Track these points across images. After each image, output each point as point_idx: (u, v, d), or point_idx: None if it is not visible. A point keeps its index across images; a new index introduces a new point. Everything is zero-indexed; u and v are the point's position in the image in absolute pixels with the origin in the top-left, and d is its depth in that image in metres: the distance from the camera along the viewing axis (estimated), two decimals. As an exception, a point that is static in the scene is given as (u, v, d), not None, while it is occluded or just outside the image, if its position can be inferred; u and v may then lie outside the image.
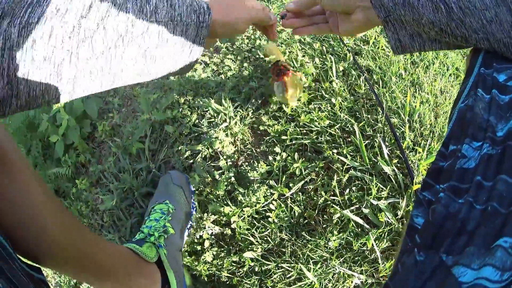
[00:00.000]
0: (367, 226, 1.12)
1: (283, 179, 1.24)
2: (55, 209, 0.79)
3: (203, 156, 1.36)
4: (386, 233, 1.10)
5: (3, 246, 0.60)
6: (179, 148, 1.42)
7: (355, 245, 1.11)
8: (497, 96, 0.53)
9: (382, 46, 1.58)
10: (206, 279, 1.20)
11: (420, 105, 1.31)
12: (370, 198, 1.14)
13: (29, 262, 0.69)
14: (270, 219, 1.19)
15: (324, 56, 1.54)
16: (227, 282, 1.19)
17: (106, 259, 0.93)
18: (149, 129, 1.52)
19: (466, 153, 0.50)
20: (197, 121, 1.45)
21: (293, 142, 1.31)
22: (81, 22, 0.56)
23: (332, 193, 1.20)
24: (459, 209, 0.46)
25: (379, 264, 1.08)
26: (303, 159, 1.26)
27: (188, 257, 1.23)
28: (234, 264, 1.19)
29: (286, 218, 1.19)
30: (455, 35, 0.59)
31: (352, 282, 1.09)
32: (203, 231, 1.23)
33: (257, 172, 1.26)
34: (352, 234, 1.13)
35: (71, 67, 0.57)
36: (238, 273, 1.17)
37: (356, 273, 1.09)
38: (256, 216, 1.22)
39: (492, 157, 0.48)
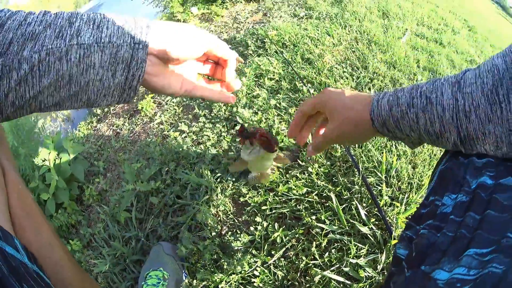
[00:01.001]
0: (349, 282, 1.18)
1: (265, 247, 1.32)
2: (73, 264, 0.81)
3: (187, 227, 1.45)
4: (368, 285, 1.16)
5: (41, 277, 0.64)
6: (165, 218, 1.50)
7: (338, 300, 1.17)
8: (475, 160, 0.62)
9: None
10: None
11: (397, 160, 1.38)
12: (350, 257, 1.20)
13: None
14: (255, 284, 1.26)
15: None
16: None
17: None
18: (134, 199, 1.60)
19: (446, 203, 0.60)
20: (180, 192, 1.54)
21: (273, 211, 1.39)
22: None
23: (312, 257, 1.26)
24: (437, 239, 0.56)
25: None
26: (284, 226, 1.34)
27: (178, 323, 1.31)
28: (222, 328, 1.27)
29: (271, 281, 1.26)
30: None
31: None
32: (193, 298, 1.32)
33: (240, 241, 1.35)
34: (334, 290, 1.19)
35: None
36: (227, 337, 1.26)
37: (339, 328, 1.15)
38: (242, 281, 1.29)
39: (464, 202, 0.58)
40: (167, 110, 1.92)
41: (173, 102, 1.94)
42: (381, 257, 1.17)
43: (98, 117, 2.25)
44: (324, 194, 1.37)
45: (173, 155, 1.66)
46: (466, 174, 0.61)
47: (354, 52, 2.11)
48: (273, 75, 1.83)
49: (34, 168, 1.98)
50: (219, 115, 1.77)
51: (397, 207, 1.27)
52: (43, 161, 1.94)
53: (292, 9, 3.20)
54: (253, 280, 1.28)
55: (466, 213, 0.56)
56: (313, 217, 1.32)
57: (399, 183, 1.35)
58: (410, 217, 0.69)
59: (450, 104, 0.58)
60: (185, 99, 1.93)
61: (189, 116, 1.82)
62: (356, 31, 2.38)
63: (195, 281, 1.33)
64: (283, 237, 1.32)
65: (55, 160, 1.91)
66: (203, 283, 1.31)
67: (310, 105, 0.84)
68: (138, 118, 1.99)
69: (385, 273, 1.17)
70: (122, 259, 1.51)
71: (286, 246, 1.31)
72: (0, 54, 0.58)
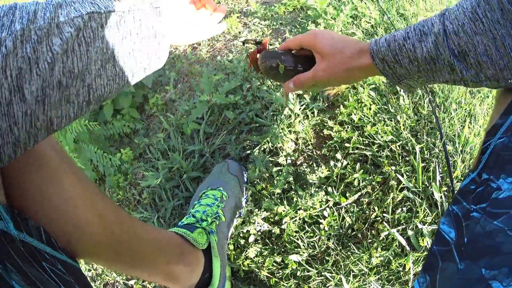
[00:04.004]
0: (408, 248, 1.11)
1: (341, 187, 1.20)
2: (92, 200, 0.74)
3: (262, 149, 1.33)
4: (423, 257, 1.09)
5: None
6: (238, 136, 1.38)
7: (393, 264, 1.09)
8: None
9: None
10: (243, 274, 1.17)
11: (473, 138, 1.28)
12: (417, 221, 1.12)
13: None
14: (321, 226, 1.16)
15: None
16: (264, 282, 1.16)
17: (145, 248, 0.89)
18: (207, 112, 1.48)
19: (502, 187, 0.55)
20: (260, 112, 1.42)
21: (355, 151, 1.27)
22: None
23: (384, 209, 1.17)
24: (495, 231, 0.52)
25: (408, 286, 1.07)
26: (362, 170, 1.22)
27: (230, 250, 1.21)
28: (276, 265, 1.16)
29: (336, 227, 1.16)
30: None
31: (381, 300, 1.07)
32: (251, 226, 1.20)
33: (316, 175, 1.22)
34: (393, 253, 1.11)
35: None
36: (278, 274, 1.15)
37: (387, 292, 1.07)
38: (308, 220, 1.19)
39: None
40: (254, 30, 1.79)
41: (261, 24, 1.80)
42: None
43: (174, 32, 2.14)
44: (407, 148, 1.26)
45: (258, 74, 1.53)
46: None
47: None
48: (369, 20, 1.69)
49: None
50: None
51: (465, 186, 1.17)
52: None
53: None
54: (320, 221, 1.18)
55: None
56: (393, 168, 1.21)
57: (471, 162, 1.24)
58: (459, 188, 0.65)
59: (440, 29, 0.64)
60: (275, 23, 1.79)
61: (279, 39, 1.69)
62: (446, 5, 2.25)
63: (257, 209, 1.21)
64: (361, 181, 1.21)
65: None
66: (266, 214, 1.19)
67: (297, 42, 0.88)
68: (220, 35, 1.87)
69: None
70: (178, 174, 1.40)
71: (361, 192, 1.20)
72: (30, 21, 0.51)
